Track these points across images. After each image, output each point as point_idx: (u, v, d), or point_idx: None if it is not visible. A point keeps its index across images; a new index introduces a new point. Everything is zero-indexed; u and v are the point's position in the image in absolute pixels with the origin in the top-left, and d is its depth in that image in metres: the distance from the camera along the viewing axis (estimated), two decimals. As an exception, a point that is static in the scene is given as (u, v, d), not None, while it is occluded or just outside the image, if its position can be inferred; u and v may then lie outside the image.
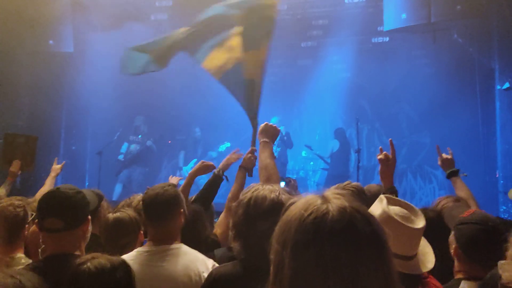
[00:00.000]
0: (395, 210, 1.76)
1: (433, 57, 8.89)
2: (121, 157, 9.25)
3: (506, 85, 6.28)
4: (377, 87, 9.95)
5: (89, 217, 2.12)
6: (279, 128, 2.82)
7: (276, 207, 1.71)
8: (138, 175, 9.30)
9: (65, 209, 1.97)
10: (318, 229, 0.93)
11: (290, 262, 0.94)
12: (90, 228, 2.15)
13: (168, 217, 2.32)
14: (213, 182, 3.17)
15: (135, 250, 2.35)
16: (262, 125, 2.77)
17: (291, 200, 1.06)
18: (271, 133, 2.73)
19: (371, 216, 0.98)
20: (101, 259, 1.53)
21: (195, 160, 9.65)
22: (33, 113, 7.68)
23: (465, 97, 8.16)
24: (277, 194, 1.81)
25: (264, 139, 2.68)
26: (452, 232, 2.08)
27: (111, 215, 2.57)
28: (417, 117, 9.98)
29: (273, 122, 10.62)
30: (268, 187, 1.87)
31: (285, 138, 9.04)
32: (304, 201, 1.00)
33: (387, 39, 9.14)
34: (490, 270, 1.72)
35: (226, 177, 3.23)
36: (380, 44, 9.40)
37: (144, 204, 2.36)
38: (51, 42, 7.56)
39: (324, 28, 9.23)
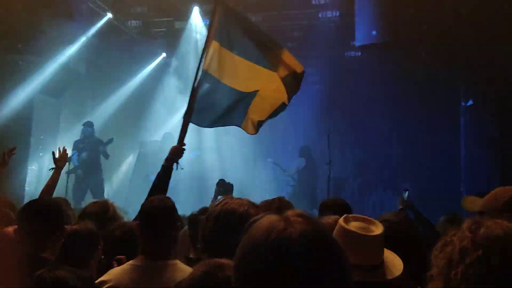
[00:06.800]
0: (354, 224, 1.84)
1: (403, 72, 9.15)
2: (79, 172, 8.56)
3: (470, 102, 6.54)
4: (349, 100, 10.15)
5: (66, 227, 2.16)
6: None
7: (245, 221, 1.74)
8: (94, 184, 8.71)
9: (46, 214, 2.11)
10: (280, 256, 0.92)
11: None
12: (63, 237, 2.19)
13: (167, 231, 2.28)
14: (165, 173, 3.25)
15: (127, 263, 2.26)
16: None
17: (251, 220, 1.04)
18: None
19: (332, 241, 0.99)
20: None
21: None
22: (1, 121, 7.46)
23: (433, 112, 8.44)
24: (245, 208, 1.84)
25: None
26: None
27: (68, 228, 2.43)
28: (387, 130, 10.20)
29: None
30: (236, 200, 1.90)
31: None
32: (266, 224, 0.98)
33: (359, 53, 9.36)
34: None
35: (177, 164, 3.37)
36: (353, 58, 9.62)
37: (144, 216, 2.29)
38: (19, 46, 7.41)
39: (299, 40, 9.39)
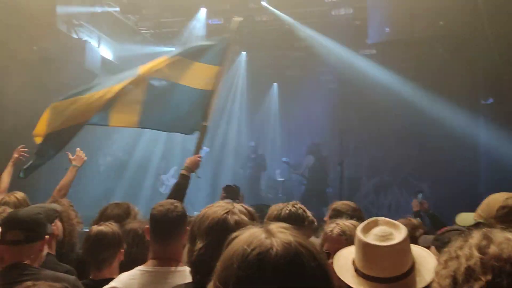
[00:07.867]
0: (374, 231, 1.71)
1: (419, 70, 8.94)
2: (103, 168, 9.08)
3: (490, 100, 6.34)
4: (364, 99, 9.98)
5: (47, 236, 2.17)
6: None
7: (216, 227, 1.65)
8: (119, 188, 9.13)
9: (27, 224, 2.14)
10: (262, 265, 0.90)
11: None
12: (46, 247, 2.19)
13: (177, 235, 2.26)
14: (183, 182, 3.49)
15: (137, 268, 2.23)
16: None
17: (234, 234, 1.02)
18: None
19: (316, 251, 0.96)
20: (43, 286, 1.48)
21: (175, 167, 9.75)
22: (18, 118, 7.54)
23: (451, 111, 8.21)
24: (223, 213, 1.70)
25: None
26: (431, 247, 2.03)
27: (94, 228, 2.49)
28: (404, 130, 9.99)
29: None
30: (219, 204, 1.78)
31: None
32: (247, 235, 0.97)
33: (374, 51, 9.18)
34: None
35: (196, 173, 3.62)
36: (367, 57, 9.45)
37: (154, 220, 2.26)
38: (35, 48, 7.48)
39: (312, 39, 9.27)
